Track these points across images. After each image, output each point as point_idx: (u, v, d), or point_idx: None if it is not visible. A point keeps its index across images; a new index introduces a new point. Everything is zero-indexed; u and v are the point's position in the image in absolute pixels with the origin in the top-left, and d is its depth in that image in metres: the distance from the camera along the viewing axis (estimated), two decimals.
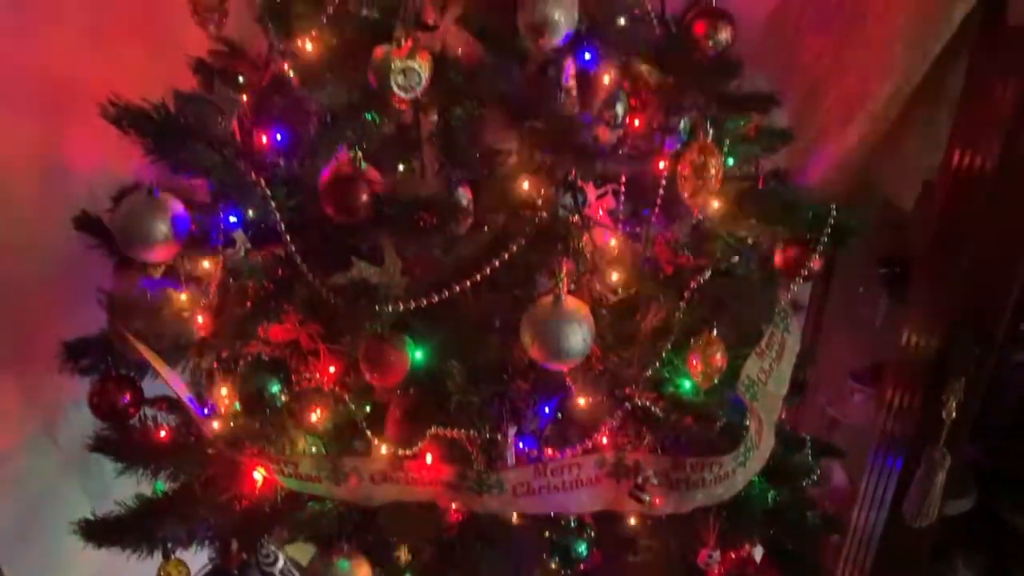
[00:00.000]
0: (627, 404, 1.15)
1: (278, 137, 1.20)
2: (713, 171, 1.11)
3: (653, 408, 1.16)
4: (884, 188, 1.51)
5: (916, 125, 1.37)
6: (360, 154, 1.06)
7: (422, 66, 1.01)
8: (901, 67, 1.28)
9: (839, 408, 1.84)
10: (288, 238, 1.11)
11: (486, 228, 1.13)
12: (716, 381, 1.21)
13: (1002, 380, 1.52)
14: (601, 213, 1.30)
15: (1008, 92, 1.29)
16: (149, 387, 1.35)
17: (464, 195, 1.09)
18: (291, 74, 1.12)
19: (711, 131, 1.10)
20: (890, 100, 1.30)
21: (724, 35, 1.27)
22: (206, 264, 1.21)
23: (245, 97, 1.27)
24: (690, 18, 1.28)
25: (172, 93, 1.26)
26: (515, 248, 1.08)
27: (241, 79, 1.30)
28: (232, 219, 1.17)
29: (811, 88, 1.50)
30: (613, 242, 1.16)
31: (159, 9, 1.51)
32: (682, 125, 1.19)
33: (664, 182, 1.21)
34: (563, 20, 0.98)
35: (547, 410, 1.19)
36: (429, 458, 1.14)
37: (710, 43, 1.26)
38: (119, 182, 1.35)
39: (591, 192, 1.22)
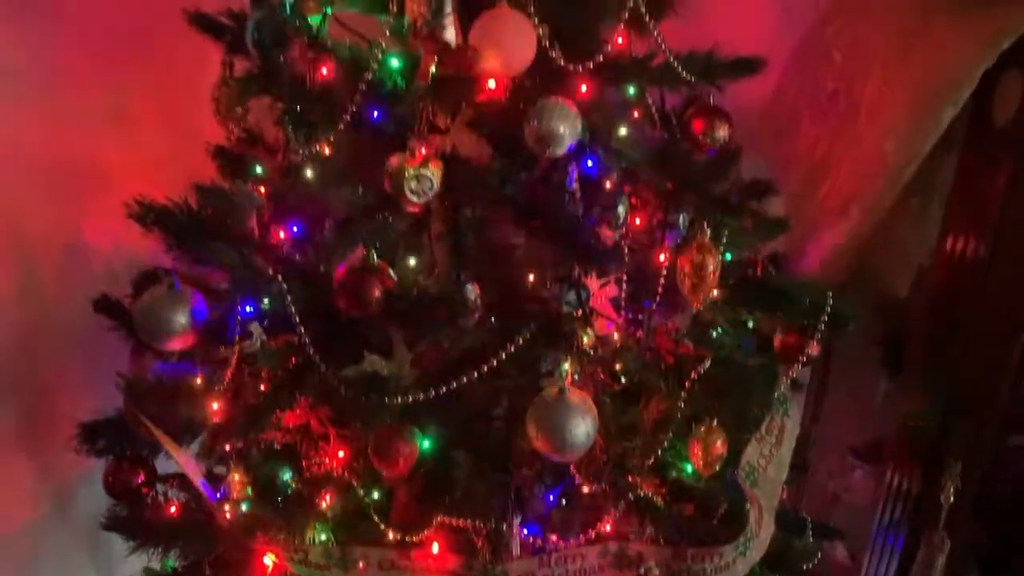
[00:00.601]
0: (630, 494, 1.18)
1: (294, 229, 1.26)
2: (711, 268, 1.16)
3: (655, 498, 1.19)
4: (879, 274, 1.55)
5: (909, 216, 1.42)
6: (373, 251, 1.11)
7: (434, 173, 1.06)
8: (892, 164, 1.33)
9: (840, 483, 1.86)
10: (302, 330, 1.15)
11: (492, 320, 1.17)
12: (717, 468, 1.24)
13: (1001, 463, 1.54)
14: (604, 300, 1.34)
15: (996, 186, 1.34)
16: (161, 464, 1.38)
17: (472, 290, 1.13)
18: (309, 174, 1.17)
19: (709, 231, 1.15)
20: (882, 194, 1.36)
21: (722, 132, 1.32)
22: (222, 350, 1.26)
23: (263, 188, 1.33)
24: (689, 116, 1.34)
25: (193, 186, 1.32)
26: (520, 341, 1.12)
27: (259, 169, 1.35)
28: (248, 309, 1.21)
29: (807, 174, 1.56)
30: (616, 335, 1.20)
31: (181, 96, 1.58)
32: (681, 221, 1.24)
33: (664, 273, 1.26)
34: (567, 133, 1.04)
35: (551, 497, 1.22)
36: (436, 547, 1.16)
37: (708, 140, 1.32)
38: (137, 260, 1.41)
39: (593, 284, 1.27)
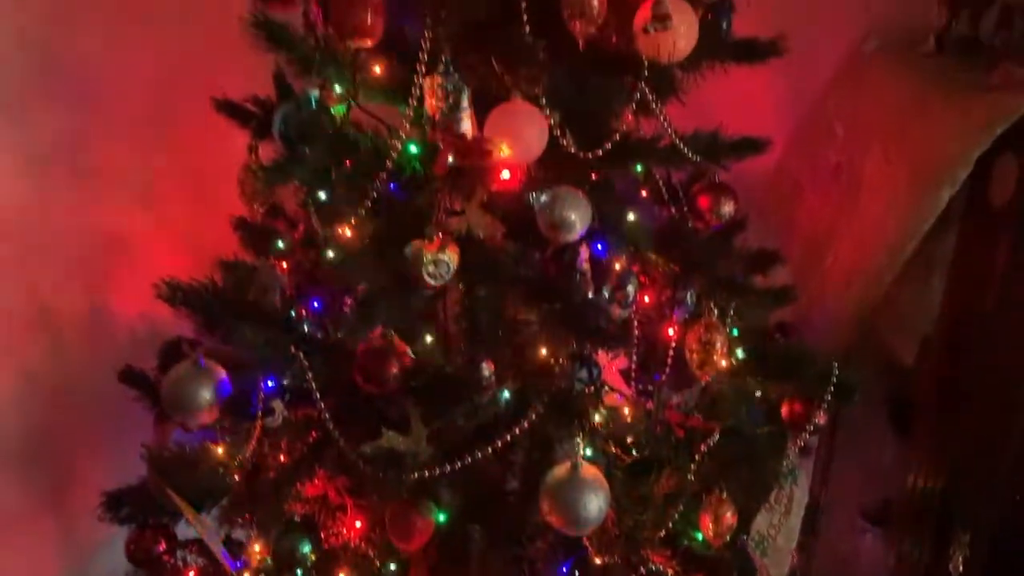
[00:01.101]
0: (642, 567, 1.20)
1: (315, 305, 1.31)
2: (719, 345, 1.20)
3: (666, 569, 1.21)
4: (884, 343, 1.59)
5: (911, 288, 1.46)
6: (392, 330, 1.15)
7: (451, 257, 1.11)
8: (894, 240, 1.38)
9: (850, 546, 1.86)
10: (322, 405, 1.19)
11: (506, 394, 1.20)
12: (728, 538, 1.27)
13: (1012, 525, 1.54)
14: (614, 371, 1.38)
15: (995, 260, 1.39)
16: (180, 529, 1.41)
17: (487, 368, 1.17)
18: (330, 255, 1.22)
19: (716, 310, 1.19)
20: (884, 269, 1.40)
21: (727, 208, 1.38)
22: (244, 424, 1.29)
23: (285, 264, 1.37)
24: (695, 192, 1.39)
25: (218, 263, 1.38)
26: (534, 416, 1.16)
27: (281, 243, 1.40)
28: (270, 383, 1.25)
29: (811, 244, 1.60)
30: (627, 409, 1.23)
31: (204, 171, 1.64)
32: (689, 297, 1.28)
33: (673, 347, 1.29)
34: (578, 220, 1.09)
35: (564, 570, 1.24)
36: None
37: (714, 216, 1.37)
38: (161, 327, 1.46)
39: (604, 356, 1.31)
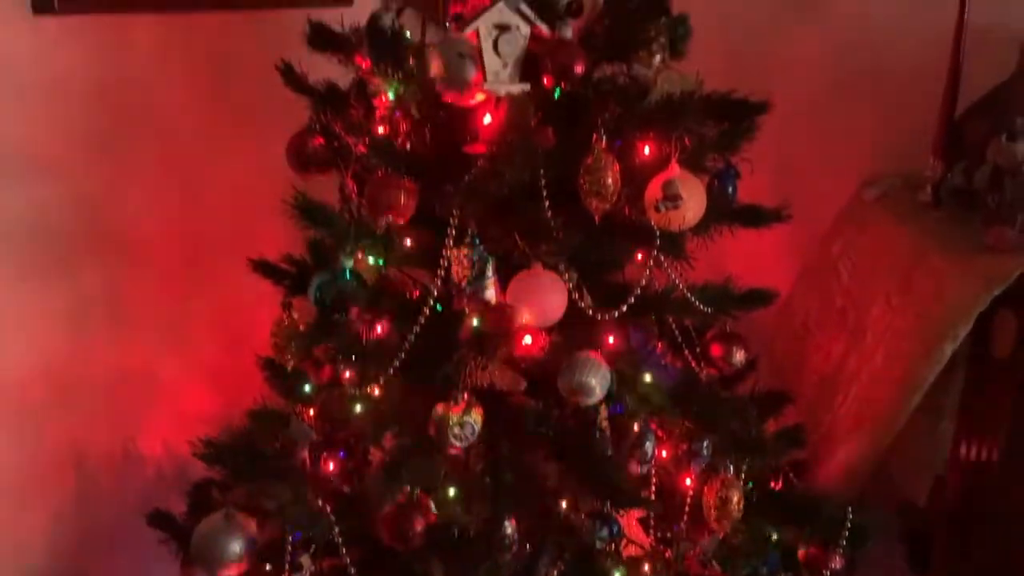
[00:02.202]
0: None
1: (342, 455, 1.35)
2: (735, 500, 1.23)
3: None
4: (897, 483, 1.61)
5: (922, 431, 1.50)
6: (417, 489, 1.19)
7: (476, 419, 1.16)
8: (900, 389, 1.42)
9: None
10: (348, 560, 1.22)
11: (527, 548, 1.23)
12: None
13: None
14: (632, 521, 1.40)
15: (1002, 404, 1.43)
16: None
17: (509, 525, 1.20)
18: (358, 409, 1.27)
19: (731, 467, 1.22)
20: (894, 416, 1.44)
21: (739, 357, 1.43)
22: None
23: (312, 411, 1.42)
24: (708, 340, 1.45)
25: (248, 413, 1.43)
26: (556, 573, 1.19)
27: (308, 388, 1.45)
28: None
29: (822, 384, 1.64)
30: (647, 565, 1.25)
31: (235, 313, 1.71)
32: (705, 448, 1.31)
33: (691, 496, 1.32)
34: (598, 385, 1.14)
35: None
36: None
37: (726, 364, 1.42)
38: (188, 468, 1.50)
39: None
